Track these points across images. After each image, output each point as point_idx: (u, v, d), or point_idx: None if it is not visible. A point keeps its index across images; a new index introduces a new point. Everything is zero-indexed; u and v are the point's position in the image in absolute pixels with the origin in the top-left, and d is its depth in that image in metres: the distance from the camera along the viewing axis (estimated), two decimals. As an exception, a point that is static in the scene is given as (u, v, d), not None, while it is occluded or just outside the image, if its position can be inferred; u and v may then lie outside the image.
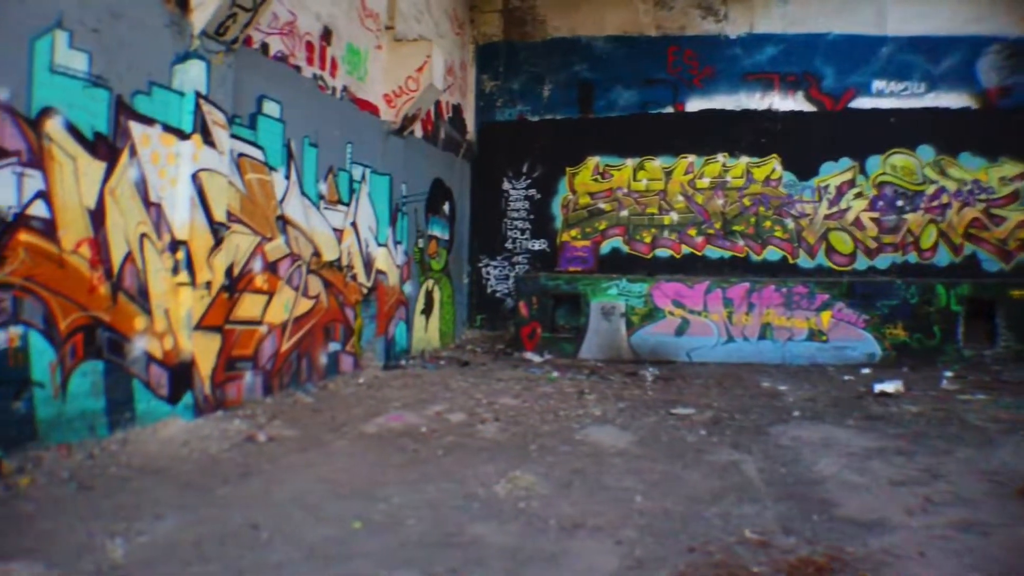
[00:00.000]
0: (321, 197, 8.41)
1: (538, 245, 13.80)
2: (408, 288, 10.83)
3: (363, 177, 9.37)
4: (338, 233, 8.78)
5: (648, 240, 13.72)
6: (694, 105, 13.97)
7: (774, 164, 13.88)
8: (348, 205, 9.02)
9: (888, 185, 13.58)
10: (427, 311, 11.70)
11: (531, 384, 9.14)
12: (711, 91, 13.99)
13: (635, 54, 13.97)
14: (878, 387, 8.72)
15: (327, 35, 8.56)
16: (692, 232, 13.83)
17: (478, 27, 14.06)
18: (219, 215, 6.41)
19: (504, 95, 14.07)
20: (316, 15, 8.32)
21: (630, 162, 13.78)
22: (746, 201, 13.86)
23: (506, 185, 13.91)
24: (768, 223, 13.81)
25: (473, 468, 5.11)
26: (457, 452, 5.58)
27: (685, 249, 13.81)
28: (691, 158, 13.89)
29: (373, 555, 3.57)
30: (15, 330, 4.71)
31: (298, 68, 7.98)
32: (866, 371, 10.71)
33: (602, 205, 13.74)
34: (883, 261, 13.54)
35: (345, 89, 9.00)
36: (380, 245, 9.86)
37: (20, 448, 4.74)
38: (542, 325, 12.00)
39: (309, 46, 8.19)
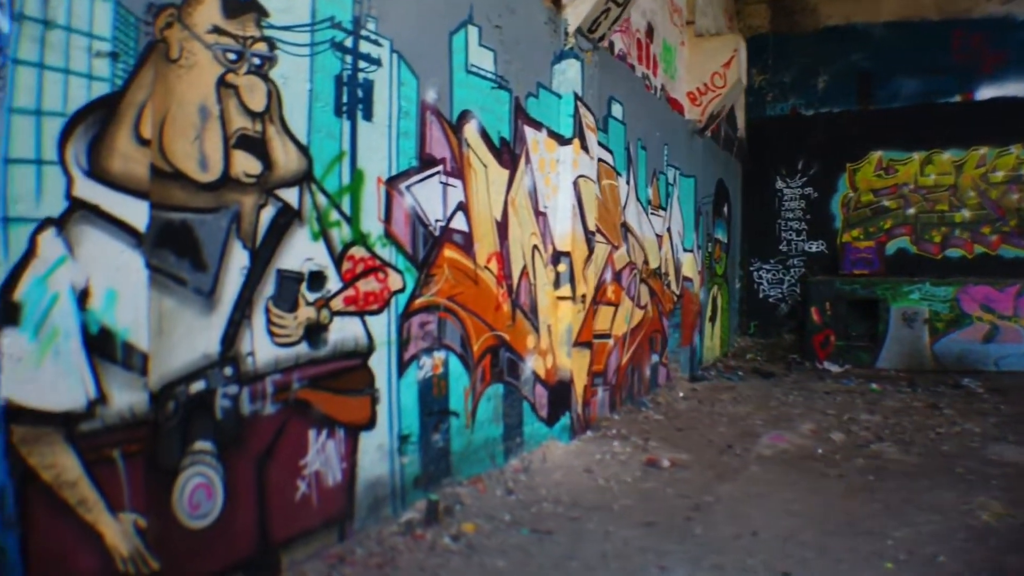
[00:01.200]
0: (648, 202, 7.33)
1: (815, 247, 12.05)
2: (702, 295, 9.60)
3: (674, 180, 8.22)
4: (659, 239, 7.68)
5: (938, 240, 11.67)
6: (984, 93, 11.74)
7: (1072, 156, 11.46)
8: (665, 209, 7.91)
9: None
10: (712, 318, 10.40)
11: (869, 397, 7.81)
12: (1002, 78, 11.68)
13: (917, 40, 11.92)
14: None
15: (650, 32, 7.48)
16: (986, 230, 11.65)
17: (744, 19, 12.49)
18: (591, 224, 5.45)
19: (774, 89, 12.41)
20: (643, 11, 7.25)
21: (916, 156, 11.77)
22: (1043, 195, 11.54)
23: (779, 183, 12.26)
24: (1068, 219, 11.44)
25: (923, 494, 4.33)
26: (886, 477, 4.72)
27: (978, 249, 11.64)
28: (983, 150, 11.67)
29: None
30: (439, 356, 3.91)
31: (632, 67, 6.94)
32: None
33: (886, 203, 11.80)
34: None
35: (662, 88, 7.89)
36: (686, 250, 8.68)
37: (437, 486, 3.94)
38: (836, 332, 10.40)
39: (639, 44, 7.14)
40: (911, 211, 11.75)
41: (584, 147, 5.31)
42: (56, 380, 2.07)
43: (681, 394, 7.76)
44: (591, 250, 5.44)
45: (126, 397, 2.21)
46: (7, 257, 1.99)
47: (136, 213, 2.20)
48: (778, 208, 12.25)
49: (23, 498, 2.03)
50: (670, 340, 8.30)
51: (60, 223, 2.07)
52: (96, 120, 2.13)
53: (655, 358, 7.68)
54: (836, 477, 4.71)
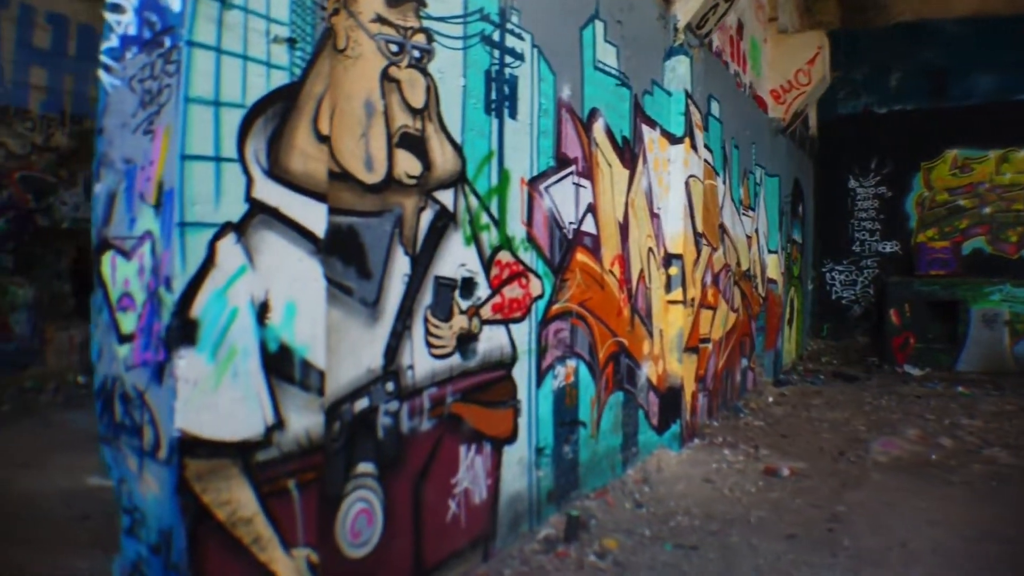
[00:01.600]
0: (740, 202, 6.91)
1: (889, 247, 11.39)
2: (783, 297, 9.11)
3: (760, 180, 7.78)
4: (748, 240, 7.25)
5: (1014, 239, 10.96)
6: (1060, 90, 11.04)
7: None
8: (754, 210, 7.47)
9: None
10: (790, 321, 9.89)
11: (962, 401, 7.31)
12: (1076, 74, 11.00)
13: (990, 36, 11.19)
14: None
15: (740, 29, 7.06)
16: (1063, 229, 10.94)
17: (815, 15, 11.85)
18: (700, 225, 5.08)
19: (846, 87, 11.71)
20: (734, 7, 6.81)
21: (992, 154, 11.07)
22: (1120, 194, 10.80)
23: (852, 183, 11.62)
24: None
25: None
26: (1008, 483, 4.44)
27: (1055, 248, 10.93)
28: (1059, 148, 10.98)
29: None
30: (571, 364, 3.58)
31: (726, 64, 6.53)
32: None
33: (962, 202, 11.12)
34: None
35: (750, 86, 7.46)
36: (771, 252, 8.21)
37: (566, 499, 3.62)
38: (915, 335, 9.82)
39: (731, 41, 6.72)
40: (987, 210, 11.06)
41: (693, 146, 4.94)
42: (233, 405, 1.79)
43: (771, 399, 7.32)
44: (699, 252, 5.07)
45: (303, 421, 1.93)
46: (184, 268, 1.71)
47: (315, 217, 1.92)
48: (851, 208, 11.65)
49: (194, 540, 1.75)
50: (756, 343, 7.86)
51: (239, 228, 1.78)
52: (275, 113, 1.84)
53: (744, 362, 7.26)
54: (961, 484, 4.39)
